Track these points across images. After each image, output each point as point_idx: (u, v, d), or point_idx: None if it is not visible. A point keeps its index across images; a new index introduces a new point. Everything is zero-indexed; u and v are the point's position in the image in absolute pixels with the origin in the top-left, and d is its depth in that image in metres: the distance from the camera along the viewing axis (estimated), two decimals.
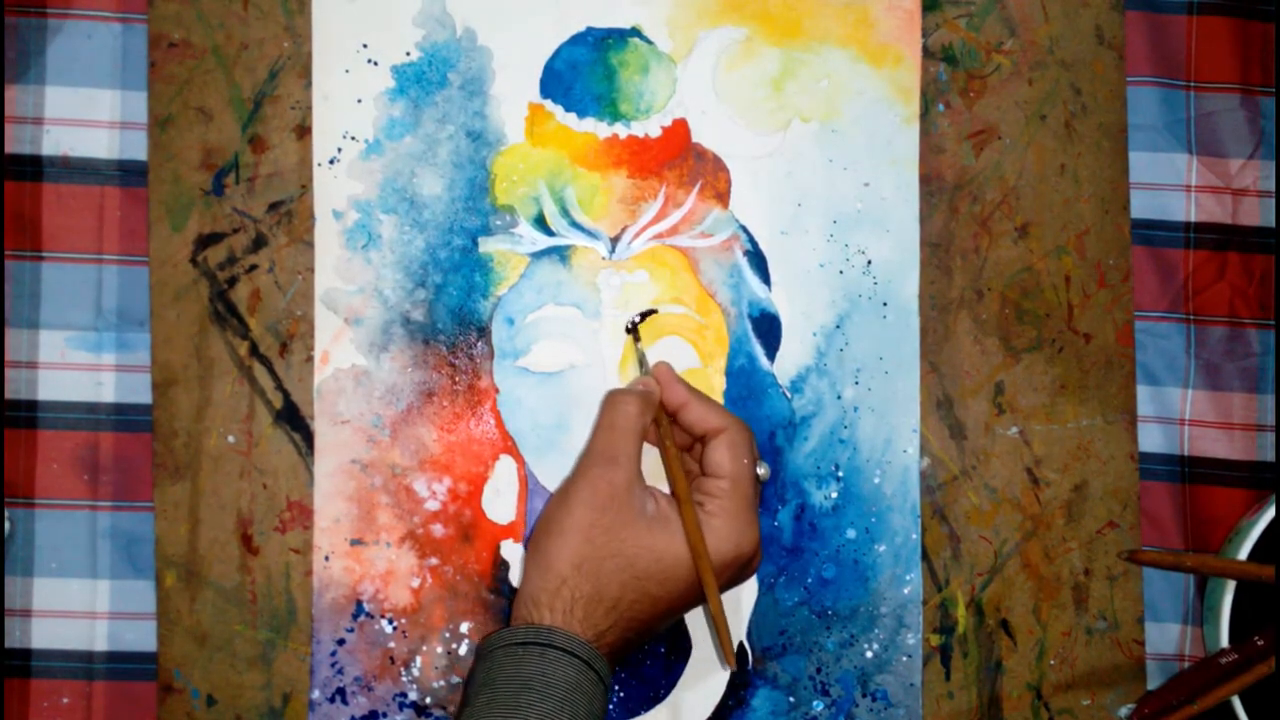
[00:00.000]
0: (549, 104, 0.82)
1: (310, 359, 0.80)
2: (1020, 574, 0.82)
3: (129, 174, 0.81)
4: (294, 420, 0.80)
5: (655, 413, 0.77)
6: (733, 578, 0.75)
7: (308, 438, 0.80)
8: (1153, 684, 0.83)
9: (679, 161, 0.82)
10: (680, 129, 0.82)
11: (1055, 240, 0.83)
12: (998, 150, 0.83)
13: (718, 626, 0.73)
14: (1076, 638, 0.82)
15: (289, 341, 0.80)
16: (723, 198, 0.82)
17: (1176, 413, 0.85)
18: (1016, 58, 0.83)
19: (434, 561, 0.80)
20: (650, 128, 0.82)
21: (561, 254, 0.81)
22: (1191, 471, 0.84)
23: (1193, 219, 0.85)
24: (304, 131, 0.80)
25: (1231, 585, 0.79)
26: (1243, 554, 0.79)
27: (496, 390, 0.81)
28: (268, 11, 0.81)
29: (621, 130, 0.82)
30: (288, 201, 0.80)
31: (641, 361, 0.79)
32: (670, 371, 0.79)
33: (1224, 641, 0.79)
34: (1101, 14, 0.84)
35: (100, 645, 0.80)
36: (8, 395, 0.80)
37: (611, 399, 0.76)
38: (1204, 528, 0.84)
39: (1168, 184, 0.85)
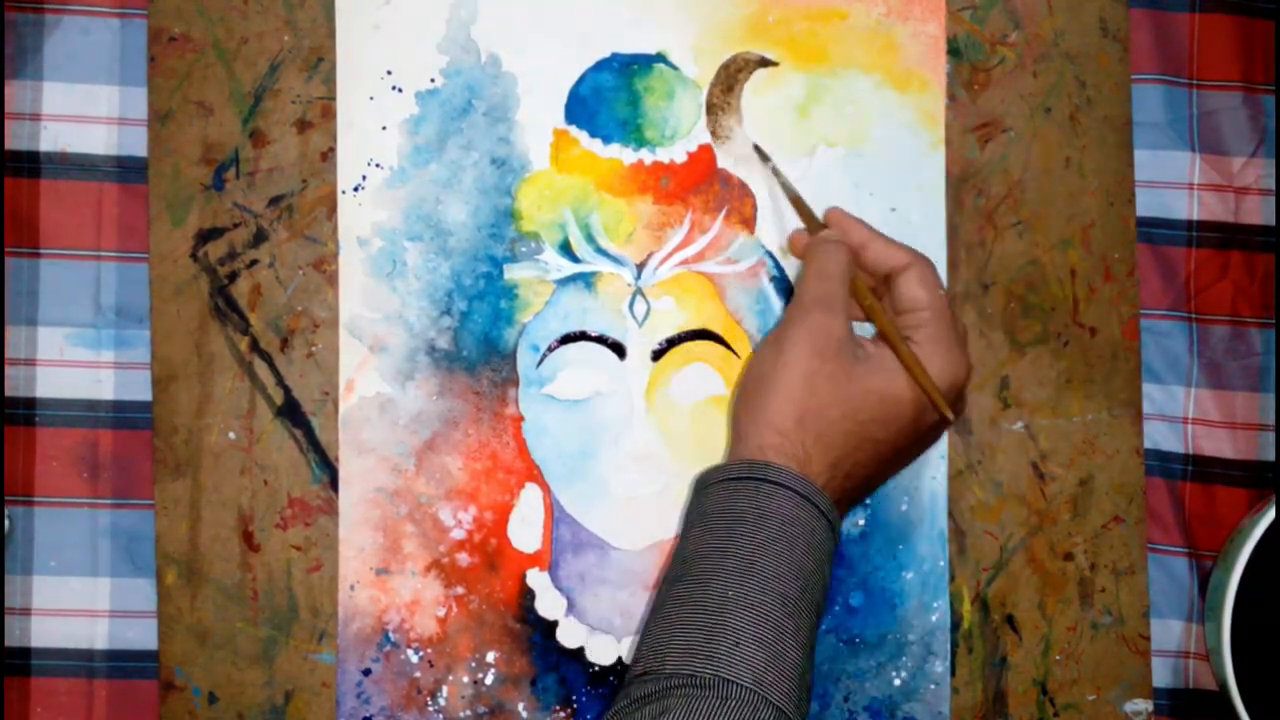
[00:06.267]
0: (574, 130, 0.81)
1: (311, 354, 0.80)
2: (1025, 569, 0.82)
3: (127, 170, 0.81)
4: (295, 416, 0.80)
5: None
6: (951, 405, 0.72)
7: (309, 433, 0.80)
8: (1158, 680, 0.83)
9: (705, 187, 0.81)
10: (706, 154, 0.82)
11: (1060, 234, 0.83)
12: (1003, 143, 0.83)
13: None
14: (1082, 633, 0.82)
15: (290, 337, 0.80)
16: (749, 223, 0.82)
17: (1179, 411, 0.85)
18: (1021, 50, 0.83)
19: (460, 590, 0.80)
20: (676, 153, 0.81)
21: (587, 280, 0.81)
22: (1194, 470, 0.84)
23: (1195, 217, 0.85)
24: (305, 125, 0.80)
25: (1234, 583, 0.79)
26: (1244, 554, 0.79)
27: (522, 418, 0.81)
28: (268, 5, 0.80)
29: (647, 156, 0.81)
30: (288, 196, 0.80)
31: (796, 200, 0.79)
32: (843, 213, 0.77)
33: (1226, 639, 0.79)
34: (1106, 6, 0.84)
35: (101, 643, 0.80)
36: (6, 393, 0.80)
37: (820, 246, 0.74)
38: (1206, 527, 0.84)
39: (1170, 182, 0.85)
